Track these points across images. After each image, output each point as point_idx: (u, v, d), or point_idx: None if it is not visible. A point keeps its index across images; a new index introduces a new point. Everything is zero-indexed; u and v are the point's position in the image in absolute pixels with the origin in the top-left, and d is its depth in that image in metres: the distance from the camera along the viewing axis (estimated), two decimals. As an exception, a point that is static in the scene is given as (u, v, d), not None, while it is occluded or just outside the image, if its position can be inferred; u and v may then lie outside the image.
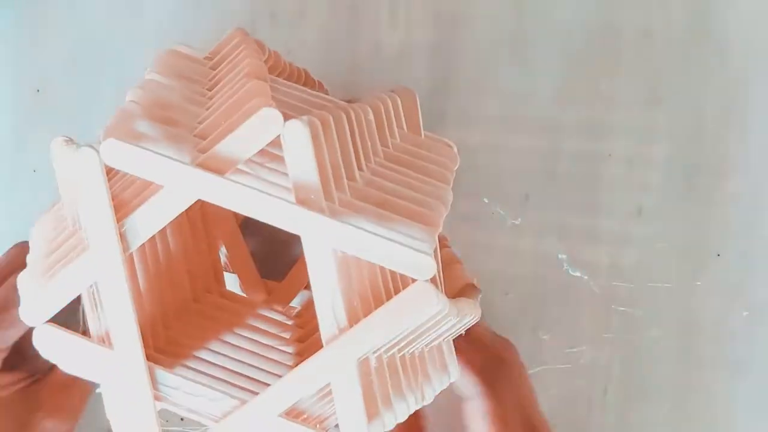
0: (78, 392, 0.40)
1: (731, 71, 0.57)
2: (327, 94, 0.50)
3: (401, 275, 0.35)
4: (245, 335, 0.46)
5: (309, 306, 0.50)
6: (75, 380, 0.37)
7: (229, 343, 0.45)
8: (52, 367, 0.39)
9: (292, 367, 0.38)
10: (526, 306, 0.59)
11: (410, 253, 0.34)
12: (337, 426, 0.37)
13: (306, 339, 0.46)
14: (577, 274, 0.58)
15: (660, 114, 0.57)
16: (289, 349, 0.45)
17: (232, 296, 0.51)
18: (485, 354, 0.47)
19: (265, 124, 0.34)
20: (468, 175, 0.58)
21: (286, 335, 0.48)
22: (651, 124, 0.57)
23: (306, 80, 0.50)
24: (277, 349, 0.46)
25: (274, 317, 0.49)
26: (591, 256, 0.58)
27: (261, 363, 0.44)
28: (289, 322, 0.49)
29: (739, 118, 0.57)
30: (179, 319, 0.46)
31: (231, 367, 0.43)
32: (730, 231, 0.58)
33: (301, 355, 0.40)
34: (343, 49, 0.58)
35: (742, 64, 0.57)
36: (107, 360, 0.37)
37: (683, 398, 0.58)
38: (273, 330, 0.48)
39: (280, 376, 0.39)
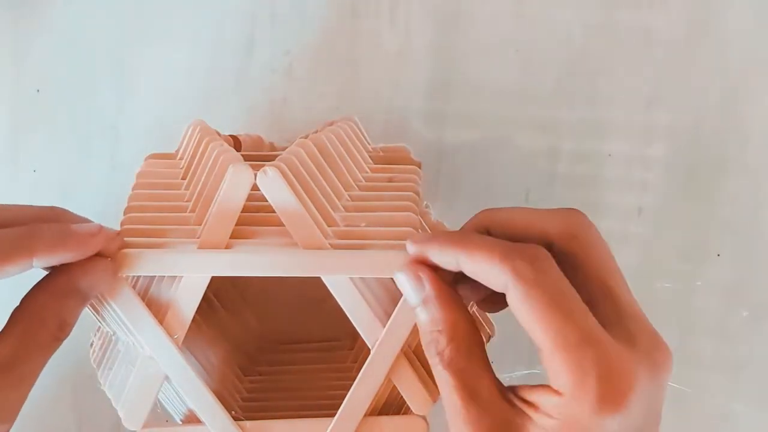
0: (12, 392, 0.38)
1: (731, 71, 0.57)
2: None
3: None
4: (310, 368, 0.54)
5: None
6: (7, 379, 0.37)
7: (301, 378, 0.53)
8: None
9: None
10: (526, 306, 0.59)
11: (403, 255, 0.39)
12: None
13: (359, 357, 0.54)
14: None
15: (660, 114, 0.57)
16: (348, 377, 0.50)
17: (289, 349, 0.57)
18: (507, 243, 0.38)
19: (237, 179, 0.39)
20: (468, 174, 0.58)
21: (345, 363, 0.55)
22: (651, 124, 0.57)
23: (259, 146, 0.55)
24: (342, 373, 0.53)
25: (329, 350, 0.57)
26: (591, 256, 0.58)
27: (332, 385, 0.51)
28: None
29: (739, 118, 0.57)
30: (243, 377, 0.54)
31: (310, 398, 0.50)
32: (730, 231, 0.58)
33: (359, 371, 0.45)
34: (343, 49, 0.58)
35: (742, 64, 0.57)
36: None
37: (683, 398, 0.58)
38: (333, 360, 0.55)
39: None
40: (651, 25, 0.57)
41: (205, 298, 0.52)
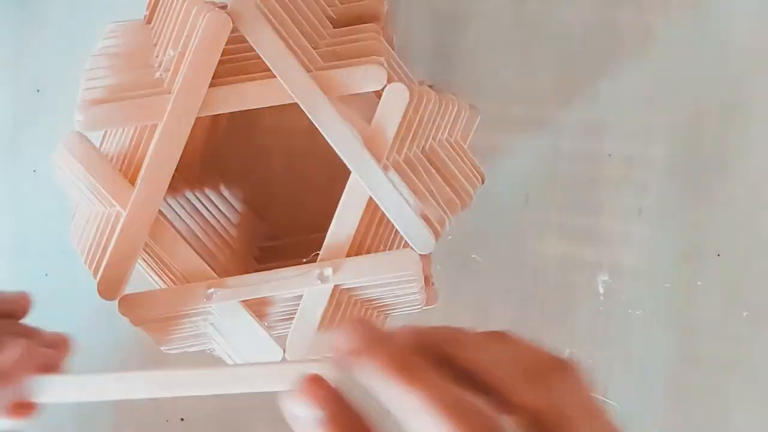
0: None
1: (731, 71, 0.57)
2: None
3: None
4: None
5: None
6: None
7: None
8: None
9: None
10: (526, 306, 0.59)
11: (420, 224, 0.42)
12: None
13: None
14: (578, 274, 0.58)
15: (660, 114, 0.57)
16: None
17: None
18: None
19: (371, 76, 0.41)
20: (468, 175, 0.58)
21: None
22: (651, 124, 0.57)
23: None
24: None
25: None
26: (591, 256, 0.58)
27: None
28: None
29: (739, 118, 0.57)
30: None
31: None
32: (730, 231, 0.58)
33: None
34: (343, 49, 0.58)
35: (742, 64, 0.57)
36: None
37: (683, 398, 0.58)
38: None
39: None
40: (651, 25, 0.57)
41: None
